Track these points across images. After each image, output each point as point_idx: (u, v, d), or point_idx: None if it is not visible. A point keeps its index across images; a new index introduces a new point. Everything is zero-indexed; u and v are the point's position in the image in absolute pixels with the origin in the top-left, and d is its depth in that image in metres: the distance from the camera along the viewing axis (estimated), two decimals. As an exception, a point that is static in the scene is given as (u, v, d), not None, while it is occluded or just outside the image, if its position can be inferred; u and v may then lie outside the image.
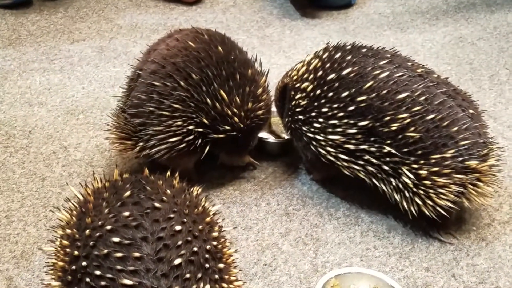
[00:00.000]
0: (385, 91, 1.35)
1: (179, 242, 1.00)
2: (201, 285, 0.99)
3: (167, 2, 2.56)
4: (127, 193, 1.07)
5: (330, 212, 1.51)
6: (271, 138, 1.68)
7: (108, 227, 1.01)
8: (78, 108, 1.88)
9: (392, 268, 1.36)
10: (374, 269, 1.32)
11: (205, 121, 1.43)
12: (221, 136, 1.46)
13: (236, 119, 1.46)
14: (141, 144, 1.46)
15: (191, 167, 1.54)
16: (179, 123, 1.42)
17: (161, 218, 1.03)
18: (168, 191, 1.10)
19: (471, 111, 1.38)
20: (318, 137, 1.44)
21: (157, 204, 1.05)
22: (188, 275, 0.98)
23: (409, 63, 1.42)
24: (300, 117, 1.47)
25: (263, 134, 1.67)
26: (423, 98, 1.34)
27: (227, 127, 1.45)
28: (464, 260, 1.38)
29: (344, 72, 1.40)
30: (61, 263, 1.05)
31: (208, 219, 1.10)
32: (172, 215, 1.04)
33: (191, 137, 1.44)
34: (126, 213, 1.02)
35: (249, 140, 1.57)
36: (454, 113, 1.34)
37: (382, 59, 1.41)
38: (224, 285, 1.04)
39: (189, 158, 1.51)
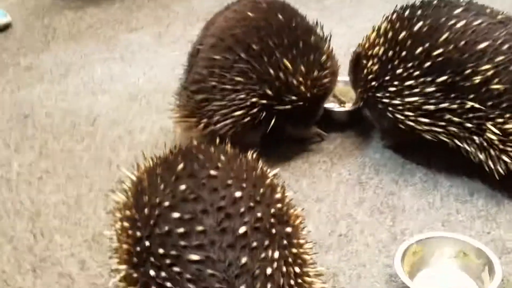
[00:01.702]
0: (463, 42, 1.24)
1: (242, 210, 0.93)
2: (270, 252, 0.91)
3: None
4: (180, 166, 1.00)
5: (405, 179, 1.40)
6: (337, 107, 1.60)
7: (167, 204, 0.94)
8: (140, 93, 1.86)
9: (478, 231, 1.24)
10: (458, 233, 1.22)
11: (269, 92, 1.36)
12: (287, 107, 1.38)
13: (302, 88, 1.38)
14: (205, 120, 1.41)
15: (258, 141, 1.47)
16: (242, 96, 1.36)
17: (219, 186, 0.95)
18: (222, 157, 1.03)
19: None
20: (394, 101, 1.34)
21: (212, 172, 0.98)
22: (255, 244, 0.91)
23: (488, 10, 1.30)
24: (374, 83, 1.38)
25: (328, 104, 1.59)
26: (506, 46, 1.22)
27: (293, 97, 1.38)
28: (559, 219, 1.25)
29: (416, 27, 1.29)
30: (125, 246, 0.99)
31: (268, 181, 1.02)
32: (229, 182, 0.96)
33: (255, 110, 1.37)
34: (183, 187, 0.96)
35: (316, 110, 1.49)
36: (541, 61, 1.22)
37: (457, 7, 1.29)
38: (294, 250, 0.96)
39: (255, 132, 1.45)
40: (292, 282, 0.93)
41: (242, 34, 1.37)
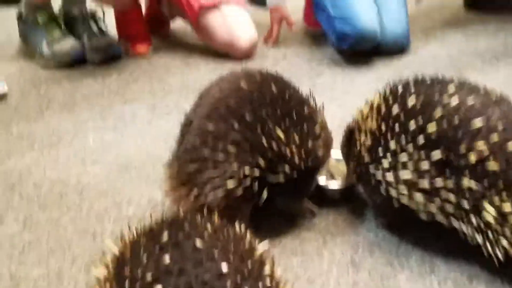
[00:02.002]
0: (457, 119, 1.22)
1: (228, 285, 0.88)
2: None
3: (217, 58, 2.54)
4: (165, 237, 0.97)
5: (401, 261, 1.34)
6: (330, 185, 1.56)
7: (149, 278, 0.90)
8: (131, 164, 1.82)
9: (479, 320, 1.18)
10: (457, 321, 1.15)
11: (262, 163, 1.33)
12: (280, 179, 1.35)
13: (295, 159, 1.35)
14: (196, 191, 1.36)
15: (247, 214, 1.43)
16: (235, 167, 1.32)
17: (204, 259, 0.91)
18: (209, 228, 0.99)
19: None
20: (388, 177, 1.30)
21: (198, 244, 0.94)
22: None
23: (481, 88, 1.29)
24: (367, 158, 1.35)
25: (321, 181, 1.55)
26: (501, 126, 1.19)
27: (286, 169, 1.34)
28: (562, 310, 1.18)
29: (409, 103, 1.28)
30: None
31: (257, 255, 0.97)
32: (216, 255, 0.92)
33: (248, 181, 1.33)
34: (167, 259, 0.92)
35: (308, 183, 1.45)
36: (537, 142, 1.19)
37: (450, 85, 1.28)
38: None
39: (246, 205, 1.40)
40: None
41: (236, 104, 1.36)
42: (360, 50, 2.41)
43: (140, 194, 1.67)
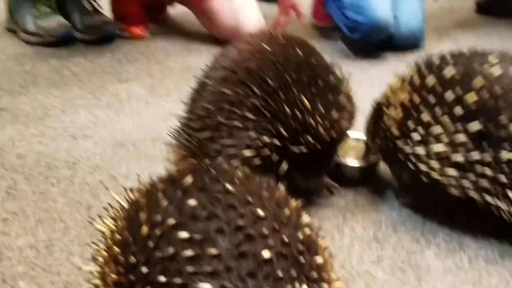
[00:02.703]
0: (499, 89, 1.22)
1: (265, 231, 0.81)
2: (297, 285, 0.80)
3: (220, 44, 2.54)
4: (189, 179, 0.89)
5: (427, 238, 1.34)
6: (350, 162, 1.55)
7: (172, 222, 0.82)
8: (128, 140, 1.79)
9: (515, 297, 1.17)
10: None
11: (284, 132, 1.30)
12: (303, 150, 1.32)
13: (321, 129, 1.32)
14: (207, 161, 1.32)
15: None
16: (253, 135, 1.29)
17: (237, 203, 0.84)
18: (239, 174, 0.93)
19: None
20: (418, 151, 1.29)
21: (229, 187, 0.86)
22: (280, 273, 0.79)
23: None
24: (396, 132, 1.34)
25: (340, 159, 1.54)
26: None
27: (311, 140, 1.32)
28: None
29: (447, 73, 1.28)
30: (113, 276, 0.86)
31: (293, 204, 0.92)
32: (250, 198, 0.85)
33: (267, 151, 1.30)
34: (192, 202, 0.84)
35: (330, 156, 1.44)
36: None
37: (491, 56, 1.29)
38: (325, 285, 0.85)
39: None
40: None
41: (257, 68, 1.32)
42: (372, 41, 2.43)
43: (139, 169, 1.64)
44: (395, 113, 1.35)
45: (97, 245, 0.96)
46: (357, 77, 2.26)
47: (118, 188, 1.55)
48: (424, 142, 1.29)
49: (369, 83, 2.20)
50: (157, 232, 0.82)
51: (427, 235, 1.35)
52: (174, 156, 1.41)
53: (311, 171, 1.43)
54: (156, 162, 1.64)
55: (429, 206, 1.41)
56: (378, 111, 1.44)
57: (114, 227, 0.95)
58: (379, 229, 1.37)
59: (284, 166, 1.33)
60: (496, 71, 1.25)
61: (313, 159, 1.36)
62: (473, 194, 1.27)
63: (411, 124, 1.31)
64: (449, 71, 1.29)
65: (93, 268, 0.96)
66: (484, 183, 1.24)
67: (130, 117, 1.94)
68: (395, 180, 1.45)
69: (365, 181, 1.55)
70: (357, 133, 1.58)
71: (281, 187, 0.98)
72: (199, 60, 2.38)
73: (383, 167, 1.56)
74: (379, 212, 1.43)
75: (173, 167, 1.40)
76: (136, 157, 1.70)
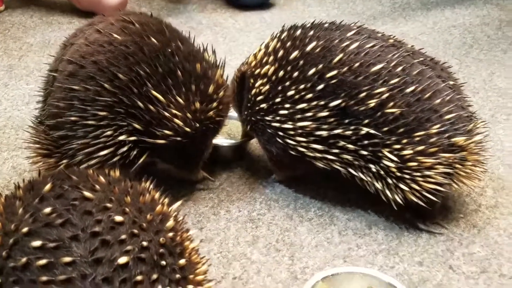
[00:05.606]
0: (357, 64, 1.23)
1: (122, 236, 0.81)
2: (159, 287, 0.80)
3: (82, 16, 2.38)
4: (47, 187, 0.87)
5: (300, 214, 1.35)
6: (222, 142, 1.51)
7: (25, 230, 0.80)
8: (-13, 129, 1.65)
9: (381, 266, 1.21)
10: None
11: (138, 127, 1.22)
12: (160, 142, 1.24)
13: (178, 121, 1.24)
14: (65, 161, 1.24)
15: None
16: (109, 133, 1.21)
17: (94, 209, 0.83)
18: (102, 179, 0.91)
19: (451, 82, 1.28)
20: (285, 125, 1.28)
21: (87, 194, 0.85)
22: (139, 277, 0.78)
23: (379, 34, 1.31)
24: (263, 105, 1.31)
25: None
26: (400, 68, 1.22)
27: (167, 132, 1.24)
28: (459, 249, 1.25)
29: (309, 48, 1.26)
30: None
31: (159, 208, 0.90)
32: (108, 205, 0.84)
33: (125, 148, 1.23)
34: (47, 209, 0.82)
35: (201, 148, 1.36)
36: (435, 83, 1.23)
37: (349, 30, 1.29)
38: (190, 286, 0.85)
39: (125, 171, 1.30)
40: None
41: (106, 61, 1.21)
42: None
43: (1, 160, 1.51)
44: (261, 85, 1.32)
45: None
46: (226, 46, 2.23)
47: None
48: (290, 117, 1.28)
49: (238, 50, 2.16)
50: (10, 241, 0.80)
51: (300, 211, 1.36)
52: (34, 152, 1.31)
53: (183, 164, 1.37)
54: (20, 152, 1.52)
55: (300, 181, 1.42)
56: (241, 80, 1.39)
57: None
58: (254, 208, 1.36)
59: (145, 160, 1.27)
60: (354, 46, 1.25)
61: (181, 152, 1.30)
62: (337, 166, 1.28)
63: (277, 99, 1.29)
64: (310, 46, 1.27)
65: None
66: (347, 156, 1.26)
67: (-12, 103, 1.78)
68: (266, 155, 1.43)
69: (239, 158, 1.53)
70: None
71: (152, 190, 0.96)
72: (60, 34, 2.24)
73: (256, 143, 1.55)
74: (253, 190, 1.42)
75: (34, 163, 1.31)
76: (-3, 148, 1.57)
